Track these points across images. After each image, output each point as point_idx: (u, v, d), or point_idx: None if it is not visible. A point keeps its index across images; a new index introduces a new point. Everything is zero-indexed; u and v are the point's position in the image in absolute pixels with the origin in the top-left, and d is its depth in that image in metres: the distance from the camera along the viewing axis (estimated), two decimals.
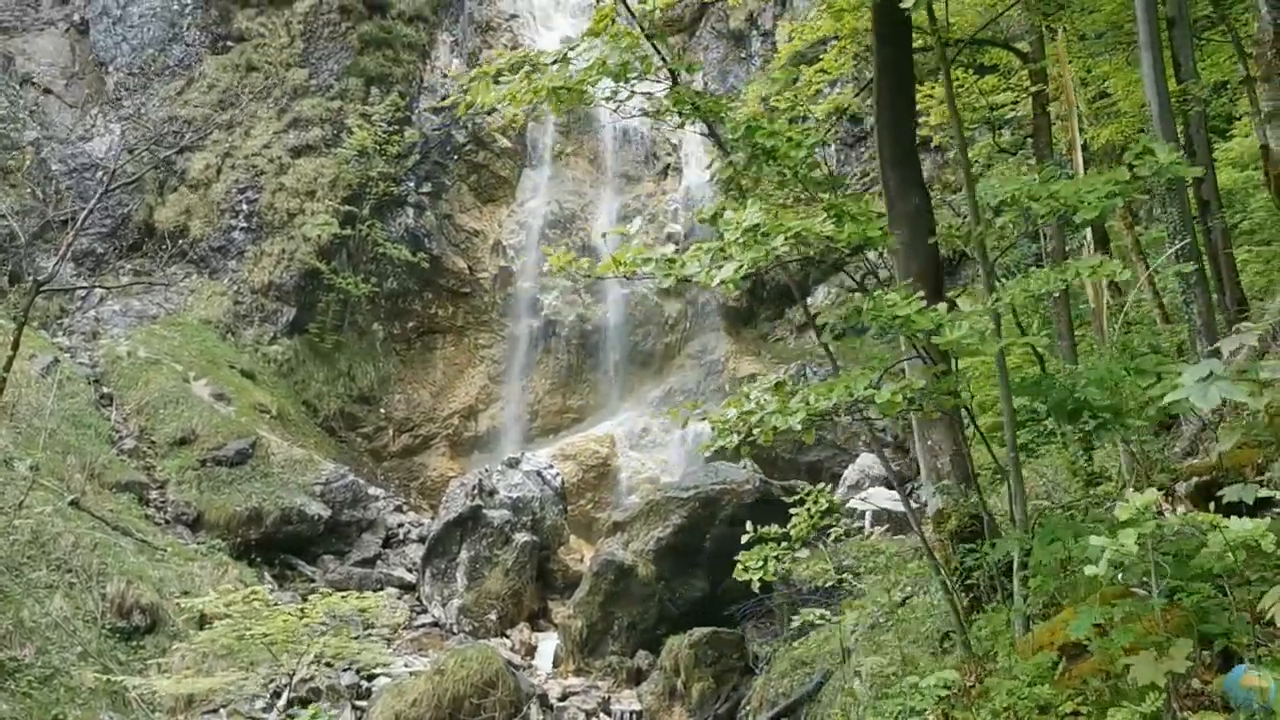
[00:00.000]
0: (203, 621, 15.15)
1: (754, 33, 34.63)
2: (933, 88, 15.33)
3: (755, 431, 6.60)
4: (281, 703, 13.89)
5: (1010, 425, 6.97)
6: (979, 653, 6.80)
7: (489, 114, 31.90)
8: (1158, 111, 9.00)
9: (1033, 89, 14.64)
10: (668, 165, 33.03)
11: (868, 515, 22.74)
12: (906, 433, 27.69)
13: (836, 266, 31.28)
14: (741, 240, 5.92)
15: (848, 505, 23.36)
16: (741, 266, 5.84)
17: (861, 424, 27.96)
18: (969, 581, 7.80)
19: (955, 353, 6.88)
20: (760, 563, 8.16)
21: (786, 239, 5.81)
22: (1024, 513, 6.85)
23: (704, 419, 7.92)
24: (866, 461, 26.18)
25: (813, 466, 27.15)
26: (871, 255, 30.53)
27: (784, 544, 9.79)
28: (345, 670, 16.79)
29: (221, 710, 15.01)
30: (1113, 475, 10.79)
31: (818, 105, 14.20)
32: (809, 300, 31.65)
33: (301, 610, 11.41)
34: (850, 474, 25.80)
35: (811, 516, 7.56)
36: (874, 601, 14.26)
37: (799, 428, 6.34)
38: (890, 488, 24.77)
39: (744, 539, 9.25)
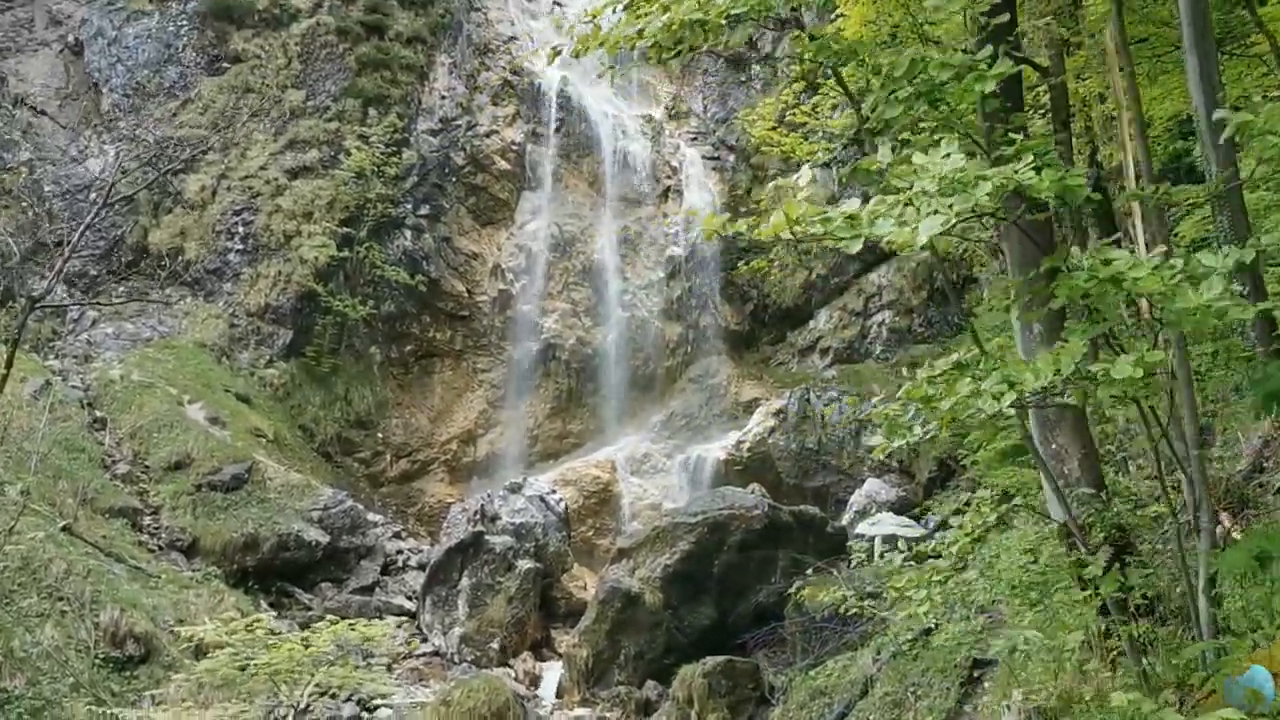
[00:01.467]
0: (199, 651, 14.64)
1: (753, 55, 34.44)
2: None
3: (932, 425, 5.75)
4: None
5: (1193, 415, 6.21)
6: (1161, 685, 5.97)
7: (487, 136, 31.70)
8: (1206, 115, 8.62)
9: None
10: (668, 188, 32.72)
11: (877, 541, 22.29)
12: (912, 458, 27.43)
13: (839, 290, 31.26)
14: (936, 191, 4.86)
15: (856, 532, 22.97)
16: (948, 219, 4.75)
17: (867, 451, 27.42)
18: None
19: (1174, 323, 5.31)
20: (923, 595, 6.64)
21: (996, 187, 4.82)
22: (1211, 520, 6.09)
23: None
24: (873, 487, 25.78)
25: (818, 492, 26.74)
26: (874, 277, 30.16)
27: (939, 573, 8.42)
28: (346, 701, 16.26)
29: None
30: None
31: (835, 120, 13.87)
32: (810, 324, 31.38)
33: (306, 639, 10.95)
34: (857, 499, 25.39)
35: (972, 532, 6.58)
36: (897, 630, 13.83)
37: (1010, 411, 5.25)
38: (900, 513, 24.39)
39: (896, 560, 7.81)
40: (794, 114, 13.84)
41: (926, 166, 4.94)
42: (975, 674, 11.94)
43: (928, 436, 5.61)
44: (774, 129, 13.60)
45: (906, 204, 4.87)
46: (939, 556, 21.80)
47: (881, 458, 5.84)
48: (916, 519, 24.31)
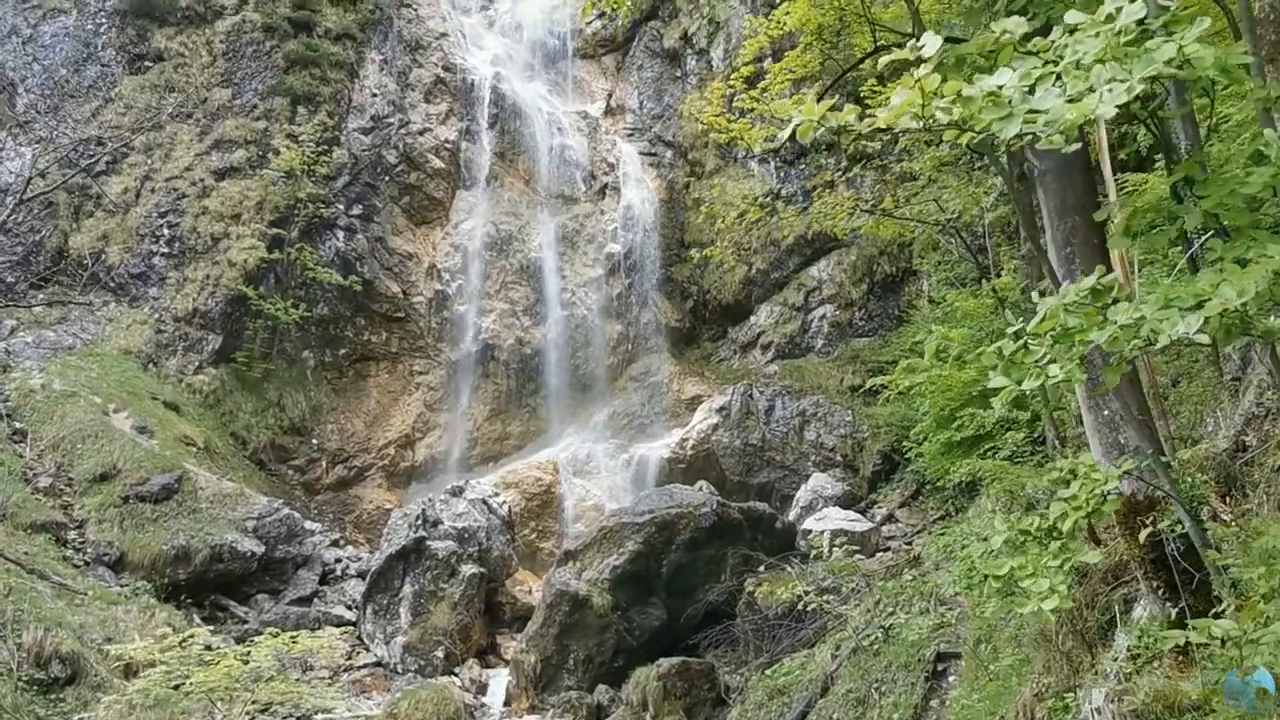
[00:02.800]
0: (130, 670, 13.93)
1: (689, 51, 34.22)
2: (895, 88, 14.81)
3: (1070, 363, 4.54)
4: None
5: None
6: None
7: (420, 134, 31.05)
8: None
9: None
10: (605, 185, 32.34)
11: (825, 536, 22.11)
12: (855, 451, 27.33)
13: (778, 285, 31.06)
14: (1100, 58, 3.87)
15: (803, 527, 22.76)
16: (1131, 87, 3.75)
17: (811, 446, 27.03)
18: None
19: None
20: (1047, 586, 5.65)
21: (1175, 52, 3.83)
22: None
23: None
24: (818, 482, 25.61)
25: (762, 488, 26.52)
26: (814, 271, 29.86)
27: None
28: (286, 718, 15.61)
29: None
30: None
31: (784, 104, 13.55)
32: (751, 320, 31.16)
33: (246, 654, 10.37)
34: (802, 495, 25.23)
35: (1084, 504, 5.59)
36: (857, 625, 13.58)
37: (1202, 339, 4.18)
38: (846, 507, 24.24)
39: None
40: (741, 100, 13.46)
41: (1087, 28, 3.97)
42: (940, 667, 11.70)
43: (1062, 378, 4.46)
44: (721, 114, 13.25)
45: (1058, 76, 3.93)
46: (888, 550, 21.74)
47: (1001, 408, 4.60)
48: (863, 513, 24.22)
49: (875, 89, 15.08)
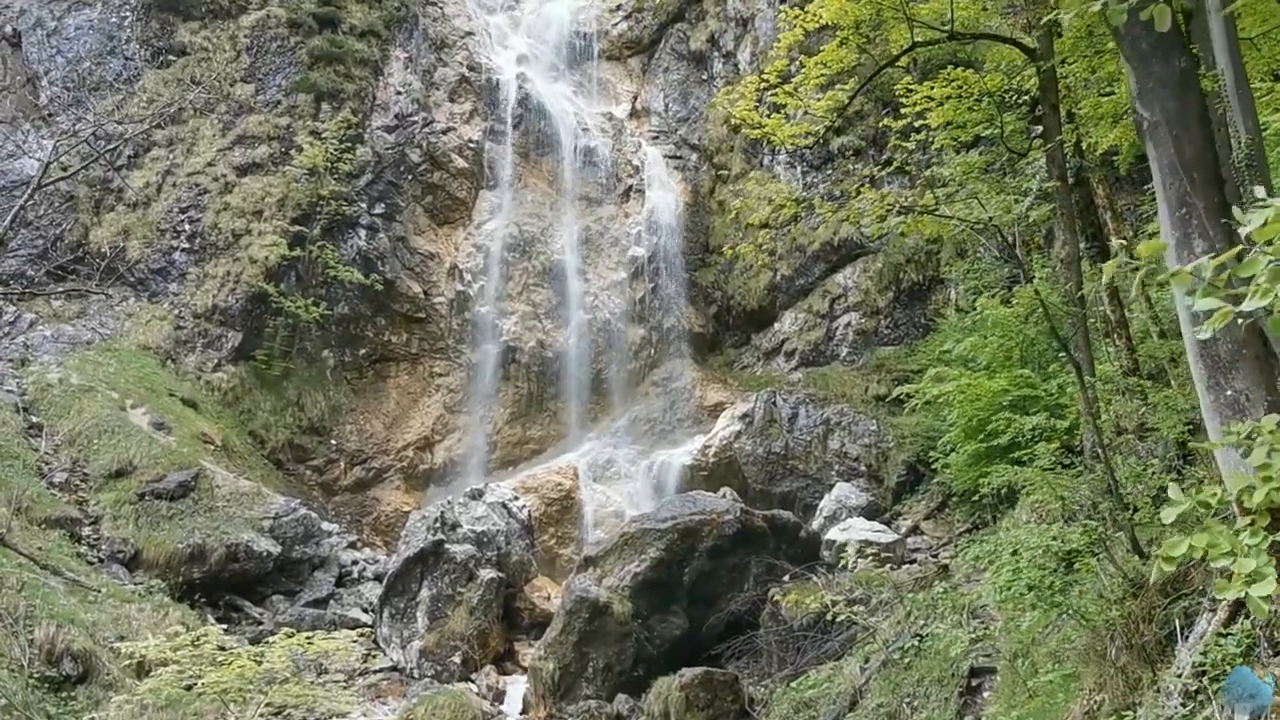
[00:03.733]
0: (142, 669, 13.65)
1: (715, 54, 33.94)
2: (932, 87, 14.46)
3: None
4: None
5: None
6: None
7: (444, 133, 30.83)
8: (1233, 82, 8.01)
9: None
10: (630, 187, 32.04)
11: (850, 547, 21.69)
12: (880, 461, 26.89)
13: (803, 292, 30.66)
14: None
15: (827, 537, 22.34)
16: None
17: (835, 456, 26.58)
18: None
19: None
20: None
21: None
22: None
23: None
24: (842, 491, 25.19)
25: (785, 498, 26.13)
26: (840, 278, 29.56)
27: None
28: None
29: None
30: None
31: (817, 101, 13.21)
32: (775, 327, 30.77)
33: (260, 655, 10.05)
34: (826, 505, 24.81)
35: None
36: (887, 637, 13.17)
37: None
38: (870, 517, 23.80)
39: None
40: (775, 95, 13.10)
41: None
42: (974, 682, 11.30)
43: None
44: (753, 110, 12.90)
45: None
46: (914, 562, 21.30)
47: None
48: (887, 524, 23.79)
49: (909, 86, 14.71)
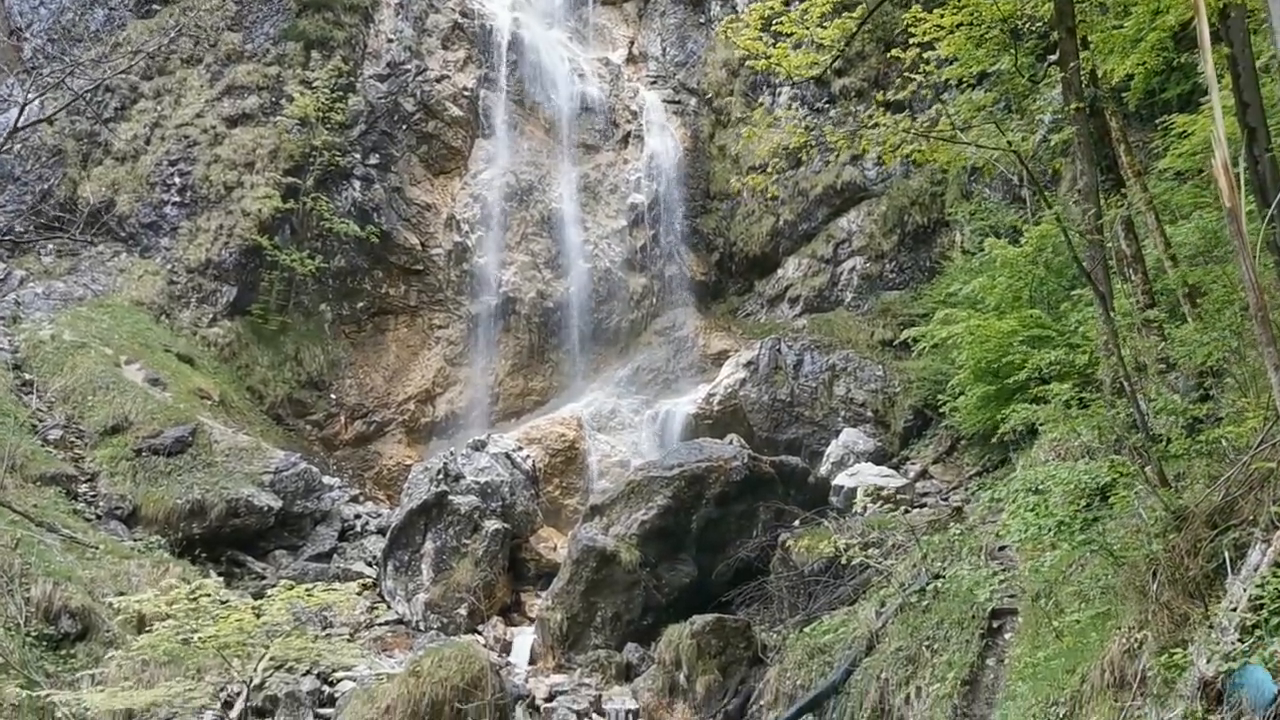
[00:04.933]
0: (143, 626, 13.36)
1: None
2: (942, 15, 13.88)
3: None
4: (234, 714, 12.16)
5: None
6: None
7: (438, 81, 30.18)
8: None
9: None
10: (628, 133, 31.44)
11: (859, 492, 21.41)
12: (887, 406, 26.52)
13: (807, 237, 30.16)
14: None
15: (835, 483, 22.05)
16: None
17: (841, 402, 26.13)
18: None
19: None
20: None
21: None
22: None
23: None
24: (849, 437, 24.88)
25: (792, 445, 25.79)
26: (843, 222, 28.95)
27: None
28: (305, 675, 15.05)
29: None
30: None
31: (825, 29, 12.67)
32: (778, 273, 30.29)
33: (258, 608, 9.73)
34: (833, 451, 24.51)
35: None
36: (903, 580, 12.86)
37: None
38: (878, 463, 23.51)
39: None
40: (780, 23, 12.56)
41: None
42: (995, 624, 11.00)
43: None
44: (758, 39, 12.38)
45: None
46: (924, 507, 20.99)
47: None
48: (895, 469, 23.49)
49: (918, 16, 14.14)
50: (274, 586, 14.13)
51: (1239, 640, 5.29)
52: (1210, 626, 5.65)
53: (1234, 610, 5.50)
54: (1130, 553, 7.13)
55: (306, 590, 9.83)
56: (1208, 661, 5.31)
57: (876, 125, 10.99)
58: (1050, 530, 8.00)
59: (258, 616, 9.24)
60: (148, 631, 11.86)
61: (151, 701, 10.87)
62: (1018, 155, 10.16)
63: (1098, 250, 12.81)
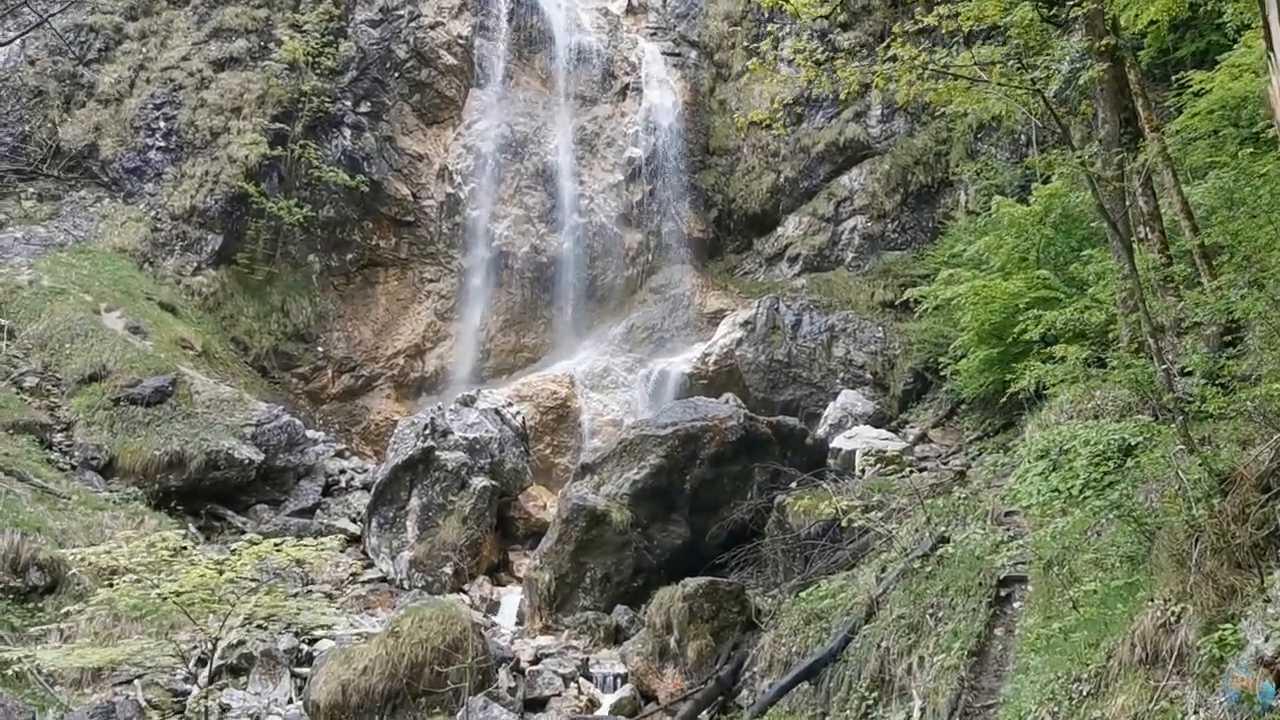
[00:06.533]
0: (115, 579, 12.82)
1: None
2: None
3: None
4: (206, 673, 11.63)
5: None
6: None
7: (432, 28, 29.33)
8: None
9: None
10: (626, 86, 30.63)
11: (858, 455, 20.90)
12: (886, 369, 25.96)
13: (808, 195, 29.48)
14: None
15: (833, 445, 21.53)
16: None
17: (840, 363, 25.51)
18: None
19: None
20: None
21: None
22: None
23: None
24: (848, 399, 24.35)
25: (788, 406, 25.24)
26: (845, 180, 28.26)
27: None
28: (283, 633, 14.54)
29: (136, 682, 12.71)
30: None
31: None
32: (778, 231, 29.63)
33: (222, 563, 9.17)
34: (831, 413, 24.00)
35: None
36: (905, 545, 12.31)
37: None
38: (876, 426, 22.97)
39: None
40: None
41: None
42: (1003, 592, 10.47)
43: None
44: None
45: None
46: (924, 470, 20.44)
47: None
48: (894, 432, 22.97)
49: None
50: (255, 544, 13.58)
51: None
52: (1267, 600, 5.09)
53: None
54: (1164, 519, 6.56)
55: (275, 545, 9.28)
56: (1266, 639, 4.75)
57: (894, 58, 10.31)
58: (1074, 492, 7.42)
59: (220, 572, 8.69)
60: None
61: (110, 659, 10.32)
62: (1040, 93, 9.51)
63: (1119, 201, 12.22)
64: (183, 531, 10.69)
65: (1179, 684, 5.62)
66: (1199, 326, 11.82)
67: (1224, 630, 5.24)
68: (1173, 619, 5.91)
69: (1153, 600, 6.30)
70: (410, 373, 27.66)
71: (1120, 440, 7.73)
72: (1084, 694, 6.50)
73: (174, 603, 8.73)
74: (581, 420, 26.04)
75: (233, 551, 9.46)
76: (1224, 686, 4.86)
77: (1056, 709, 6.74)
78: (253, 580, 9.92)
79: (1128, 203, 15.32)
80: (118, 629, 13.39)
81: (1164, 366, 8.13)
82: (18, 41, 25.62)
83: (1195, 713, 5.31)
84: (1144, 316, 9.04)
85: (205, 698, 9.70)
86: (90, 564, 9.29)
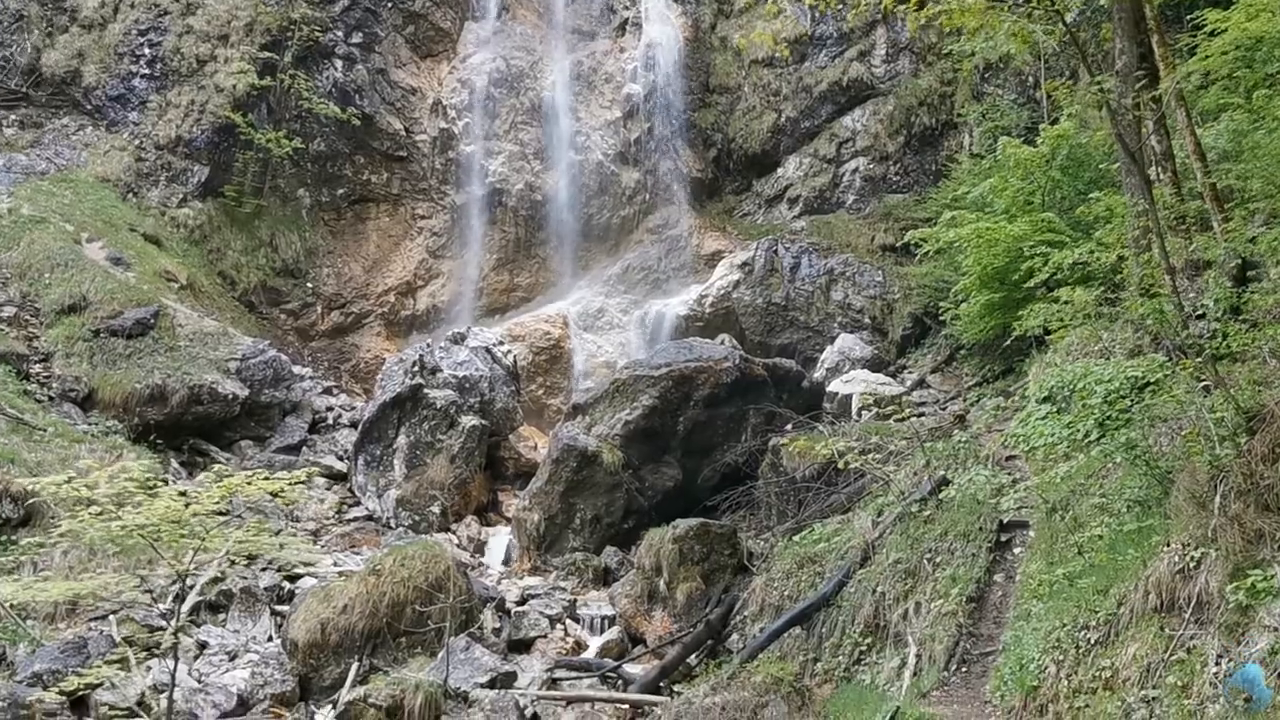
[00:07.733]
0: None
1: None
2: None
3: None
4: (185, 608, 11.28)
5: None
6: None
7: None
8: None
9: None
10: (625, 20, 29.86)
11: (854, 398, 20.55)
12: (885, 313, 25.53)
13: (809, 135, 28.85)
14: None
15: (830, 389, 21.18)
16: None
17: (838, 307, 25.02)
18: None
19: None
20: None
21: None
22: None
23: None
24: (845, 343, 23.96)
25: (785, 349, 24.83)
26: (848, 120, 27.60)
27: None
28: (264, 570, 14.21)
29: (110, 617, 12.38)
30: None
31: None
32: (778, 172, 29.04)
33: (186, 494, 8.78)
34: (828, 357, 23.62)
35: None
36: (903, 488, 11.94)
37: None
38: (874, 370, 22.59)
39: None
40: None
41: None
42: (1003, 538, 10.11)
43: None
44: None
45: None
46: (922, 415, 20.06)
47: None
48: (892, 377, 22.61)
49: None
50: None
51: None
52: None
53: None
54: (1183, 460, 6.16)
55: (247, 478, 8.90)
56: None
57: None
58: (1086, 432, 7.02)
59: (185, 506, 8.32)
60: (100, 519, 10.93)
61: (74, 592, 9.97)
62: (1059, 15, 8.98)
63: (1134, 133, 11.73)
64: (148, 463, 10.25)
65: (1197, 633, 5.24)
66: (1216, 264, 11.40)
67: (1254, 576, 4.85)
68: (1192, 564, 5.53)
69: (1169, 545, 5.92)
70: (401, 310, 27.20)
71: (1137, 378, 7.32)
72: (1092, 642, 6.14)
73: (139, 535, 8.35)
74: (575, 361, 25.65)
75: (199, 484, 9.07)
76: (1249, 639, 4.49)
77: (1062, 657, 6.39)
78: (227, 515, 9.53)
79: (1141, 140, 14.81)
80: (93, 563, 13.07)
81: (1181, 303, 7.68)
82: None
83: (1216, 663, 4.95)
84: (1160, 250, 8.58)
85: (176, 633, 9.35)
86: (61, 497, 8.87)
